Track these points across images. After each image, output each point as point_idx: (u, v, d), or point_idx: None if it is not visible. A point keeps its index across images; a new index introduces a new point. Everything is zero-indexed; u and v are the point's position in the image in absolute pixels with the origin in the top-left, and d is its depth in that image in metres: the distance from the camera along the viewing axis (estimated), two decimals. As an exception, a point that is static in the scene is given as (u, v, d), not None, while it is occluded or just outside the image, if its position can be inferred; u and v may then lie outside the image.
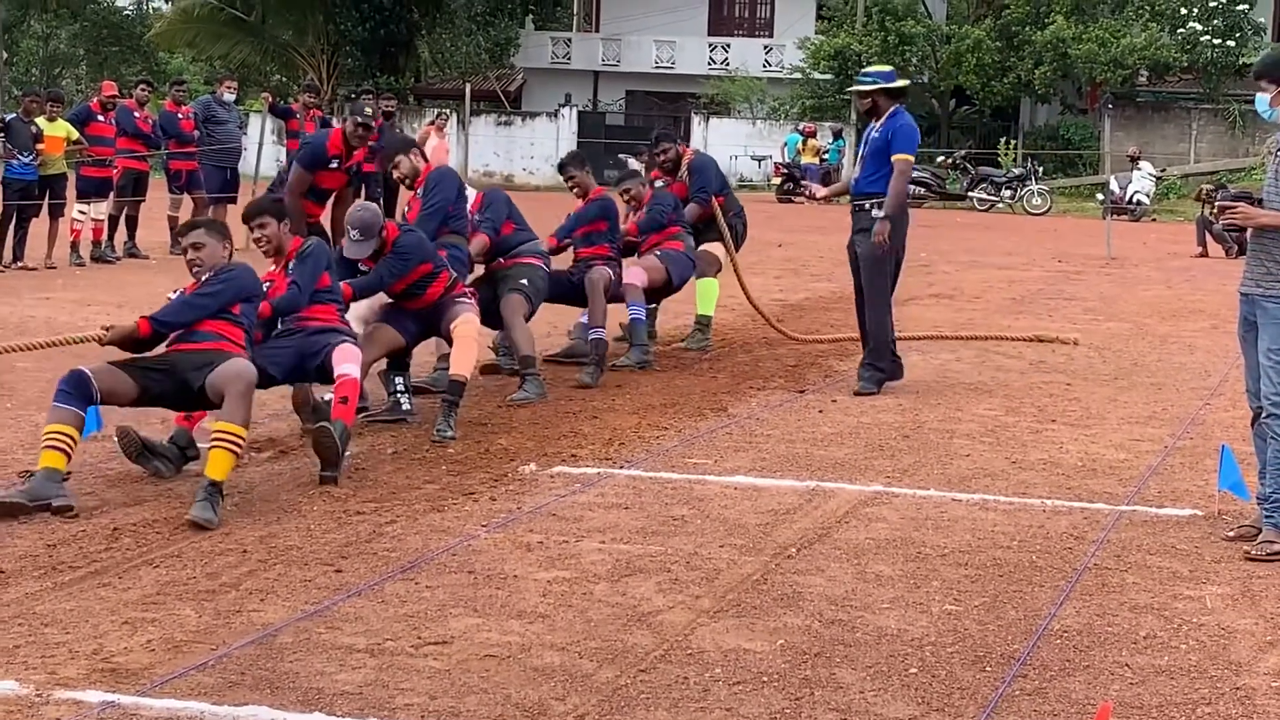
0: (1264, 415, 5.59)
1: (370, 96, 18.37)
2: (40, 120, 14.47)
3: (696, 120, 36.79)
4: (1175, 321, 12.66)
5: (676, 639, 4.43)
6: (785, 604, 4.79)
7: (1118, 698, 4.05)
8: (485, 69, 41.21)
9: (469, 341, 7.43)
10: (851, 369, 9.19)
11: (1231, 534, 5.70)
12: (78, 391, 5.76)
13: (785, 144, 33.83)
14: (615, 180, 10.38)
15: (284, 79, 41.53)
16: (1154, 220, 28.15)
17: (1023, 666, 4.27)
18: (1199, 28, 34.24)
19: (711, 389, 8.80)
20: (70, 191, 15.00)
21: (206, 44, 40.13)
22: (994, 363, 10.02)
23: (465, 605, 4.70)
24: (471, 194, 8.77)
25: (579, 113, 38.13)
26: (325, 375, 6.58)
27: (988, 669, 4.26)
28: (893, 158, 8.49)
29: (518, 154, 37.15)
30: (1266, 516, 5.56)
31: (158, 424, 6.84)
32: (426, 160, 8.53)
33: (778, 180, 32.28)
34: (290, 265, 6.66)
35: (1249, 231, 5.74)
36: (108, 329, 6.05)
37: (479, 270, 8.71)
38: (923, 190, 29.72)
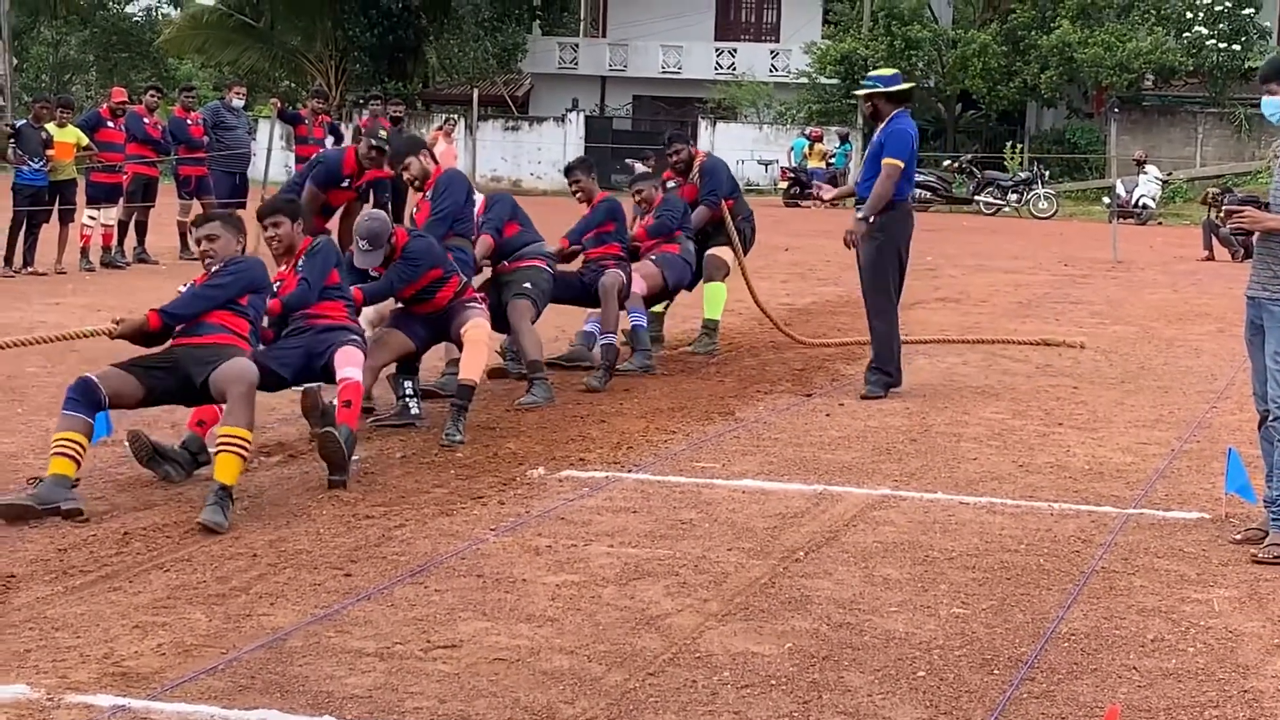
0: (1271, 418, 5.60)
1: (379, 102, 18.51)
2: (50, 126, 14.53)
3: (703, 125, 36.80)
4: (1181, 325, 12.65)
5: (685, 642, 4.44)
6: (793, 607, 4.80)
7: (1125, 701, 4.06)
8: (493, 74, 41.25)
9: (479, 346, 7.45)
10: (858, 373, 9.20)
11: (1238, 537, 5.71)
12: (85, 399, 5.79)
13: (792, 148, 33.84)
14: (629, 182, 10.42)
15: (292, 85, 41.62)
16: (1160, 224, 28.12)
17: (1030, 669, 4.28)
18: (1204, 32, 34.21)
19: (719, 393, 8.82)
20: (80, 197, 15.06)
21: (215, 50, 40.24)
22: (1001, 366, 10.03)
23: (474, 609, 4.71)
24: (478, 199, 8.80)
25: (586, 117, 38.19)
26: (331, 375, 6.60)
27: (995, 672, 4.27)
28: (882, 161, 8.54)
29: (525, 159, 37.22)
30: (1273, 519, 5.56)
31: (168, 428, 6.86)
32: (436, 162, 8.57)
33: (784, 184, 32.30)
34: (299, 263, 6.70)
35: (1256, 235, 5.76)
36: (118, 322, 6.08)
37: (486, 273, 8.74)
38: (929, 194, 29.74)
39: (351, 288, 7.03)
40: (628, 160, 33.64)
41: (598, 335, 9.26)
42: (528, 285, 8.48)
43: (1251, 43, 34.28)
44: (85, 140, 14.96)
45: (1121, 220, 23.71)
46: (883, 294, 8.72)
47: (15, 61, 39.17)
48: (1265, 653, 4.50)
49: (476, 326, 7.48)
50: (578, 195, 9.57)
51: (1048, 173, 31.85)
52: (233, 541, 5.42)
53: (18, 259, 14.20)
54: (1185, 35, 34.55)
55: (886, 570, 5.24)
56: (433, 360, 8.41)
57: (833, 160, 33.09)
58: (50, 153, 14.33)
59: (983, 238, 23.58)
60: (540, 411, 8.01)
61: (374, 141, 9.45)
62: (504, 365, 9.10)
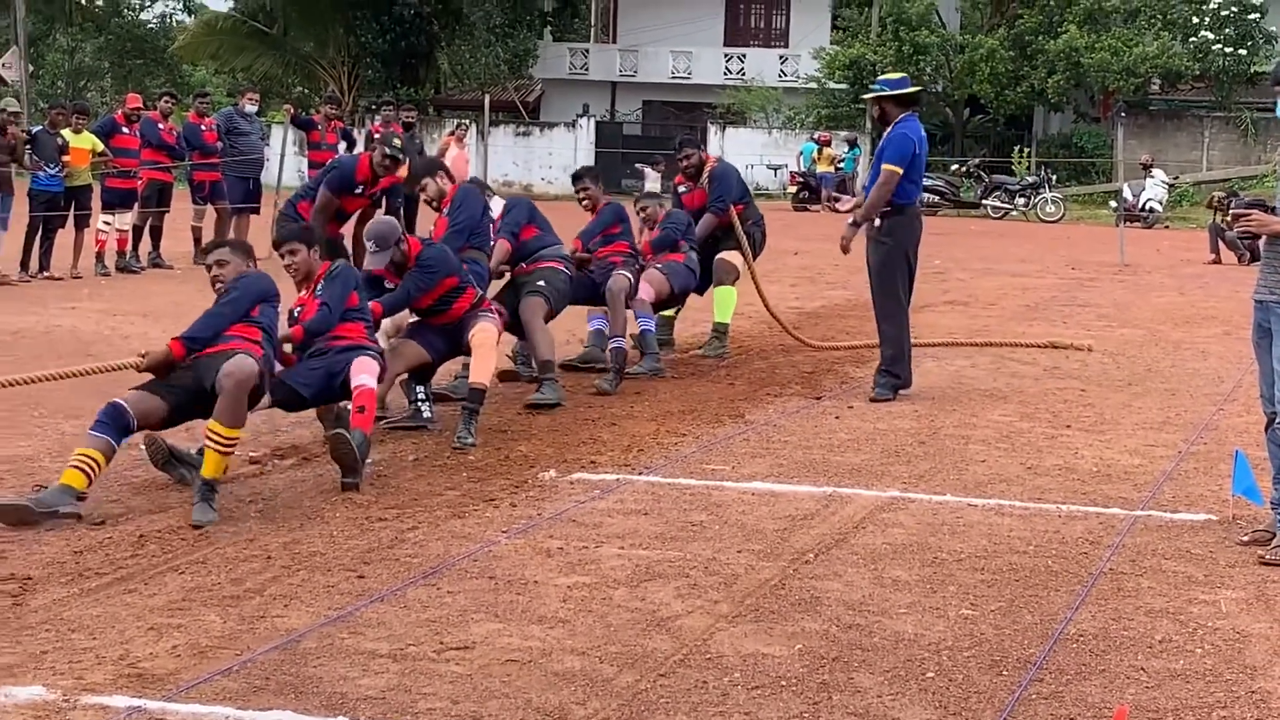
0: (1277, 421, 5.62)
1: (391, 108, 18.57)
2: (66, 132, 14.61)
3: (713, 130, 36.83)
4: (1188, 328, 12.65)
5: (695, 644, 4.47)
6: (803, 609, 4.83)
7: (1133, 702, 4.08)
8: (504, 80, 41.32)
9: (487, 350, 7.51)
10: (867, 376, 9.23)
11: (1246, 539, 5.73)
12: (115, 423, 5.89)
13: (801, 153, 33.86)
14: (635, 198, 10.55)
15: (305, 91, 41.70)
16: (1167, 227, 28.09)
17: (1039, 671, 4.30)
18: (1211, 36, 34.16)
19: (729, 396, 8.85)
20: (95, 202, 15.12)
21: (229, 56, 40.33)
22: (1009, 369, 10.05)
23: (486, 610, 4.75)
24: (499, 204, 8.89)
25: (596, 123, 38.25)
26: (350, 392, 6.67)
27: (1004, 673, 4.29)
28: (881, 166, 8.58)
29: (536, 164, 37.30)
30: (1281, 521, 5.58)
31: (183, 432, 6.91)
32: (453, 181, 8.65)
33: (794, 189, 32.30)
34: (319, 288, 6.77)
35: (1262, 239, 5.78)
36: (143, 355, 6.14)
37: (505, 278, 8.81)
38: (937, 198, 29.75)
39: (370, 303, 7.09)
40: (637, 165, 33.72)
41: (607, 335, 9.33)
42: (542, 284, 8.55)
43: (1257, 47, 34.23)
44: (100, 146, 15.03)
45: (1128, 224, 23.70)
46: (891, 297, 8.75)
47: (31, 68, 39.26)
48: (1273, 654, 4.52)
49: (483, 330, 7.53)
50: (584, 202, 9.68)
51: (1055, 177, 31.82)
52: (247, 544, 5.47)
53: (34, 264, 14.28)
54: (1191, 40, 34.51)
55: (896, 572, 5.27)
56: (445, 364, 8.45)
57: (841, 165, 33.10)
58: (66, 159, 14.41)
59: (990, 241, 23.58)
60: (551, 414, 8.06)
61: (388, 150, 9.58)
62: (515, 368, 9.15)
